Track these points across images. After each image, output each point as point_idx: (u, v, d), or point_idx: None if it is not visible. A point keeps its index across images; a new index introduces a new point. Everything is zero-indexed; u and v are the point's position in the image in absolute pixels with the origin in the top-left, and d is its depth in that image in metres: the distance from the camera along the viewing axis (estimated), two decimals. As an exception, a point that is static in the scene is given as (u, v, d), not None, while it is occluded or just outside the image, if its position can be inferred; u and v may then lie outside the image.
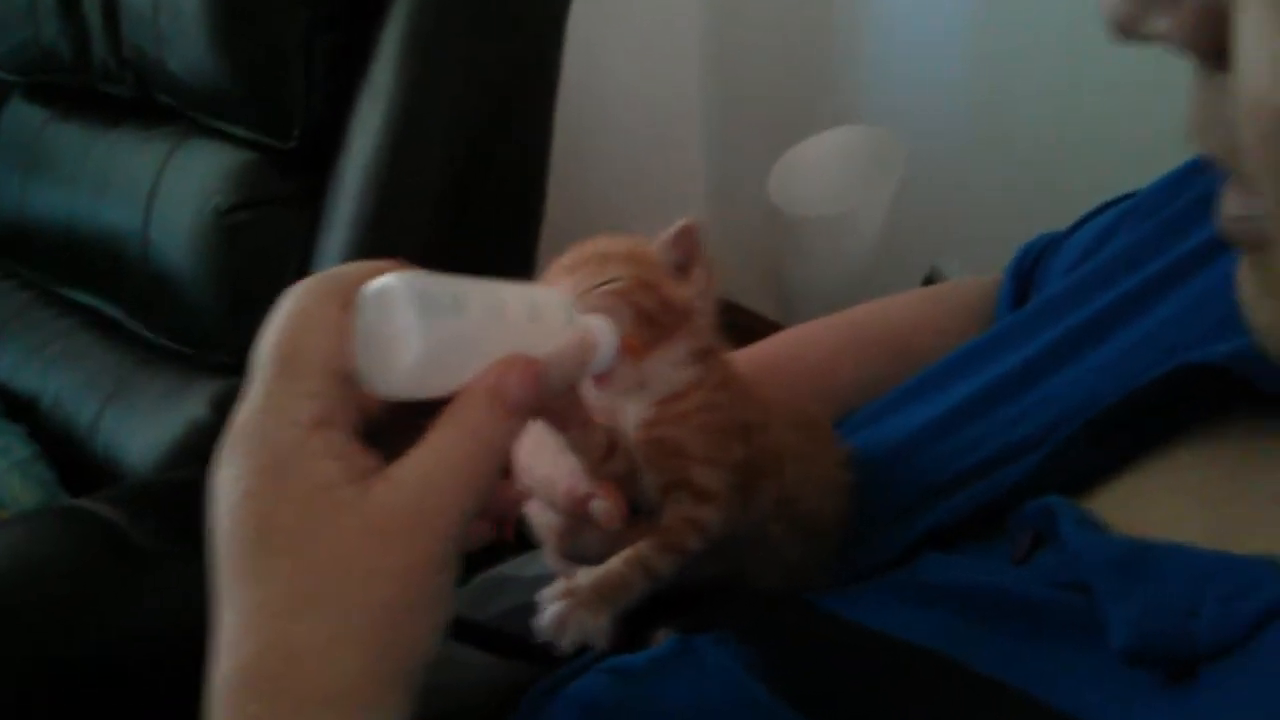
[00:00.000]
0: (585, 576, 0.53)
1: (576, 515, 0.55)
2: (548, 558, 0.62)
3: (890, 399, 0.69)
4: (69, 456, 1.36)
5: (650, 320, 0.53)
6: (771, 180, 1.96)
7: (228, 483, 0.41)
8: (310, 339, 0.43)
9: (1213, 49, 0.35)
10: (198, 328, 1.31)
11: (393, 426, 0.45)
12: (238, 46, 1.20)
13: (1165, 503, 0.51)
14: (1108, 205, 0.76)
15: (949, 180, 2.00)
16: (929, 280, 1.40)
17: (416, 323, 0.41)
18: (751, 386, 0.59)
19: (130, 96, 1.39)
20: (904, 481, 0.61)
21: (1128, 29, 0.36)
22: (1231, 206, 0.39)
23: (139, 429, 1.30)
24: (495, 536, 0.51)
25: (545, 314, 0.47)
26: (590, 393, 0.53)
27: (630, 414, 0.56)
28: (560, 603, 0.51)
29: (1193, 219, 0.61)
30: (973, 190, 1.97)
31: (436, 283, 0.43)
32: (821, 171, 1.97)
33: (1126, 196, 0.74)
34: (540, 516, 0.59)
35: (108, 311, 1.45)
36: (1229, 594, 0.41)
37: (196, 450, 1.24)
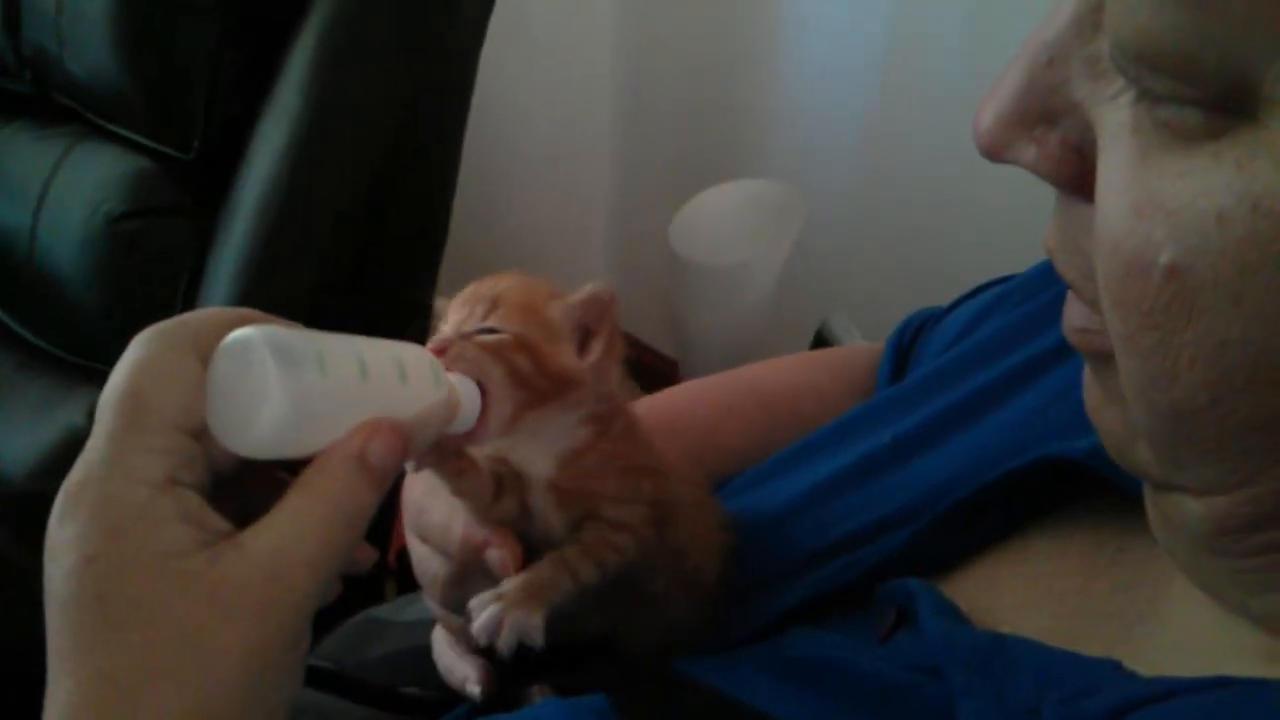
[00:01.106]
0: (510, 582, 0.52)
1: (468, 563, 0.54)
2: (430, 604, 0.61)
3: (767, 466, 0.70)
4: (-63, 457, 1.31)
5: (523, 382, 0.52)
6: (674, 226, 1.99)
7: (67, 543, 0.39)
8: (160, 391, 0.41)
9: (1074, 182, 0.36)
10: (82, 334, 1.28)
11: (247, 480, 0.44)
12: (141, 54, 1.19)
13: (1018, 590, 0.52)
14: (985, 287, 0.78)
15: (843, 239, 2.05)
16: (819, 334, 1.44)
17: (277, 380, 0.39)
18: (651, 436, 0.59)
19: (27, 93, 1.36)
20: (776, 551, 0.61)
21: (995, 156, 0.38)
22: (1074, 318, 0.41)
23: (14, 435, 1.26)
24: (374, 561, 0.49)
25: (413, 374, 0.46)
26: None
27: (534, 466, 0.55)
28: (493, 606, 0.50)
29: (1056, 314, 0.64)
30: (865, 250, 2.02)
31: (300, 338, 0.42)
32: (722, 221, 2.00)
33: (1002, 280, 0.76)
34: (426, 562, 0.58)
35: (-12, 310, 1.40)
36: (1072, 694, 0.42)
37: (74, 459, 1.20)
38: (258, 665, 0.39)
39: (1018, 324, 0.66)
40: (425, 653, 0.65)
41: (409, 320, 1.32)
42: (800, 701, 0.50)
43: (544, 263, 2.57)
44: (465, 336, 0.52)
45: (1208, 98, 0.30)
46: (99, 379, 1.22)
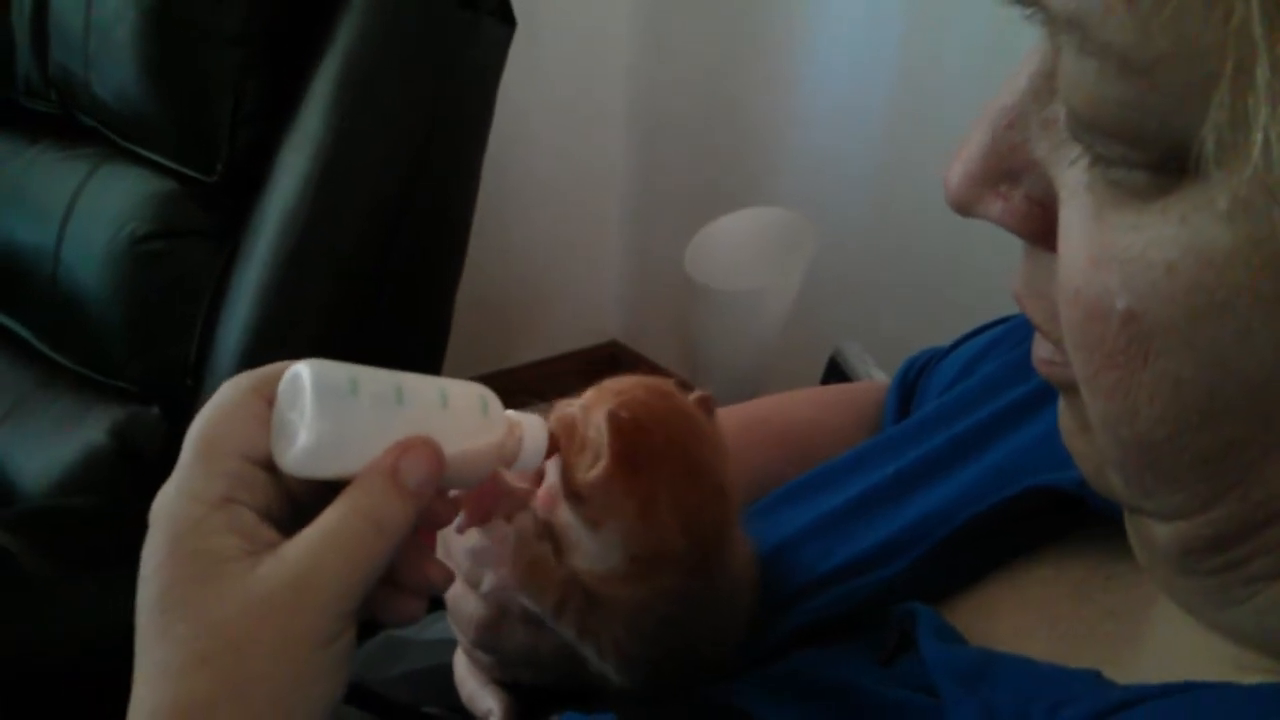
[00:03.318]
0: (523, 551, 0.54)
1: (502, 605, 0.57)
2: (460, 639, 0.63)
3: (778, 495, 0.72)
4: (-40, 473, 1.33)
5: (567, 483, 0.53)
6: (689, 252, 2.00)
7: (146, 553, 0.45)
8: (227, 426, 0.46)
9: (1038, 234, 0.39)
10: (103, 353, 1.29)
11: (321, 504, 0.47)
12: (167, 78, 1.21)
13: (1013, 616, 0.55)
14: (985, 328, 0.81)
15: (856, 266, 2.06)
16: (833, 360, 1.44)
17: (310, 402, 0.44)
18: (736, 582, 0.58)
19: (53, 114, 1.39)
20: (781, 577, 0.63)
21: (964, 211, 0.40)
22: (1041, 350, 0.43)
23: (35, 451, 1.28)
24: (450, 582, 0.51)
25: (456, 403, 0.49)
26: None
27: (578, 553, 0.55)
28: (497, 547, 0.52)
29: None
30: (877, 277, 2.03)
31: (339, 367, 0.46)
32: (736, 247, 2.02)
33: (1001, 321, 0.79)
34: (461, 601, 0.60)
35: (12, 328, 1.42)
36: (1055, 702, 0.44)
37: (93, 477, 1.22)
38: (287, 660, 0.43)
39: (1014, 363, 0.68)
40: (446, 671, 0.67)
41: (427, 343, 1.34)
42: (801, 717, 0.52)
43: (559, 287, 2.59)
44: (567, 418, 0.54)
45: (1153, 160, 0.33)
46: (120, 397, 1.25)
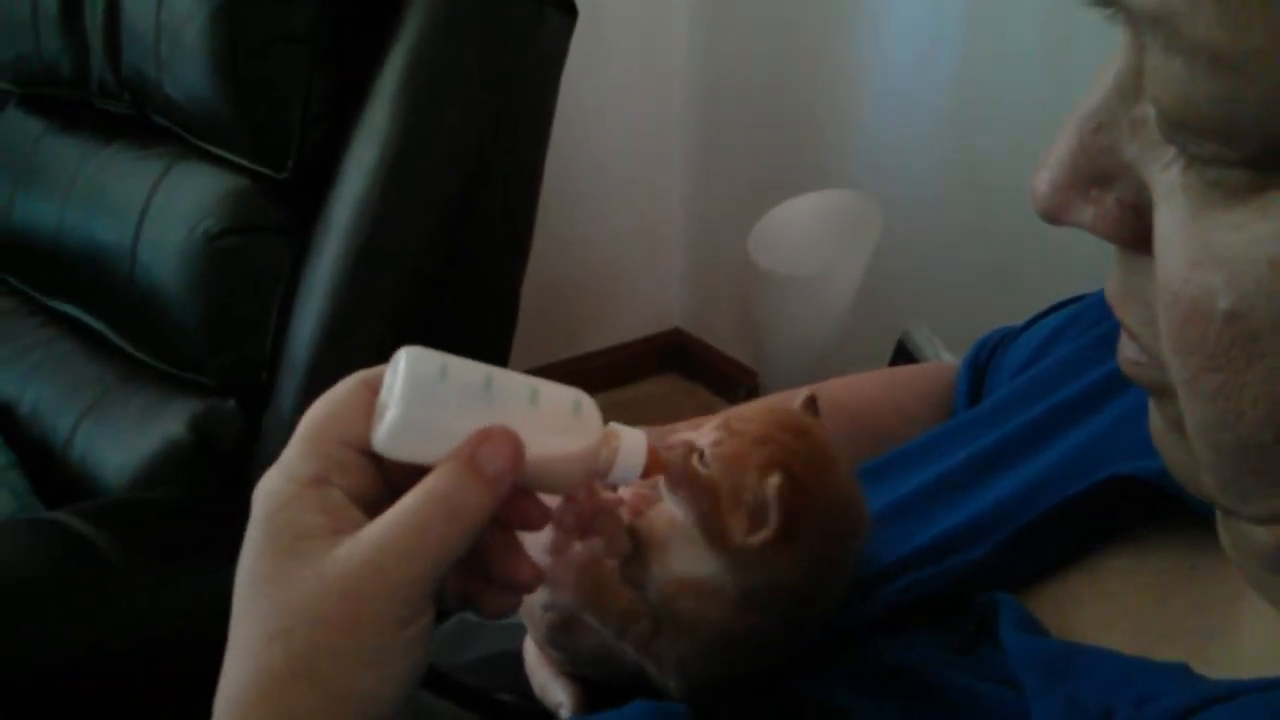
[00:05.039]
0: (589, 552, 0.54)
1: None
2: (531, 632, 0.63)
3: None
4: (44, 467, 1.37)
5: (693, 514, 0.53)
6: (752, 237, 2.00)
7: (247, 531, 0.46)
8: (332, 413, 0.48)
9: (1133, 238, 0.38)
10: (180, 348, 1.32)
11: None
12: (237, 78, 1.23)
13: (1094, 607, 0.54)
14: (1058, 306, 0.79)
15: (922, 248, 2.03)
16: (900, 344, 1.43)
17: (400, 387, 0.46)
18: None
19: (126, 115, 1.41)
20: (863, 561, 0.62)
21: (1054, 220, 0.39)
22: (1127, 350, 0.42)
23: (116, 444, 1.30)
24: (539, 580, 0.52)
25: (546, 402, 0.49)
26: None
27: (664, 556, 0.55)
28: (569, 570, 0.53)
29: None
30: (945, 259, 2.01)
31: (433, 356, 0.47)
32: (800, 232, 2.00)
33: (1074, 300, 0.78)
34: (538, 597, 0.60)
35: (92, 324, 1.45)
36: (1141, 698, 0.44)
37: (172, 469, 1.25)
38: (358, 640, 0.44)
39: (1089, 346, 0.67)
40: (517, 657, 0.67)
41: (494, 334, 1.35)
42: (881, 706, 0.52)
43: (622, 275, 2.59)
44: (690, 451, 0.53)
45: (1249, 157, 0.32)
46: (198, 391, 1.27)
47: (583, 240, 2.41)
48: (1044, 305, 0.83)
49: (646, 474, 0.51)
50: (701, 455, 0.53)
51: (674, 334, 2.76)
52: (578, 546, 0.53)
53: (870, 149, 2.15)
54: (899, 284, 2.02)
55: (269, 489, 0.47)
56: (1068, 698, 0.45)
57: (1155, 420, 0.43)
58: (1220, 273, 0.33)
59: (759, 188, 2.25)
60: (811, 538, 0.53)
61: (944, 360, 1.30)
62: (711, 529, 0.52)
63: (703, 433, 0.54)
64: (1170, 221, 0.35)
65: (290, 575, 0.44)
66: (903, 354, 1.44)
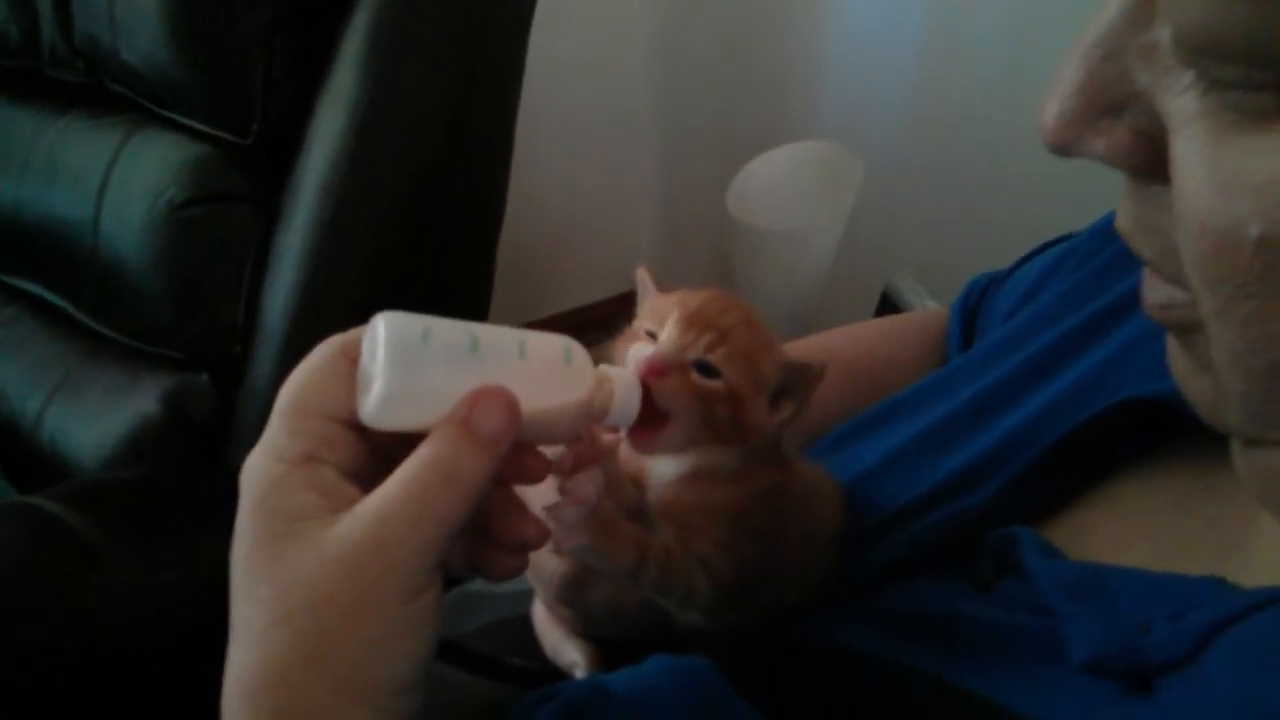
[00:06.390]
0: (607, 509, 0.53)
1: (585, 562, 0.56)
2: (540, 594, 0.62)
3: (849, 428, 0.71)
4: (13, 447, 1.34)
5: (713, 428, 0.53)
6: (730, 192, 1.97)
7: (237, 517, 0.45)
8: (312, 386, 0.46)
9: (1147, 167, 0.37)
10: (148, 322, 1.28)
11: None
12: (196, 41, 1.19)
13: (1110, 532, 0.54)
14: (1045, 247, 0.80)
15: (903, 197, 2.02)
16: (885, 295, 1.42)
17: (383, 354, 0.44)
18: (808, 505, 0.59)
19: (81, 83, 1.37)
20: (865, 511, 0.62)
21: (1063, 152, 0.39)
22: (1154, 295, 0.41)
23: (87, 423, 1.27)
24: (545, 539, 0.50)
25: (535, 353, 0.48)
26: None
27: (656, 473, 0.55)
28: (576, 508, 0.51)
29: (1123, 266, 0.64)
30: (926, 207, 2.00)
31: (413, 319, 0.45)
32: (779, 185, 1.98)
33: (1061, 239, 0.78)
34: (541, 559, 0.59)
35: (54, 301, 1.41)
36: (1177, 611, 0.44)
37: (145, 446, 1.22)
38: (366, 618, 0.42)
39: (1084, 281, 0.67)
40: (523, 623, 0.67)
41: (471, 298, 1.33)
42: (904, 646, 0.52)
43: (590, 232, 2.57)
44: (683, 365, 0.52)
45: (1277, 80, 0.31)
46: (168, 365, 1.24)
47: (548, 199, 2.38)
48: (1027, 245, 0.84)
49: (642, 410, 0.51)
50: (702, 368, 0.53)
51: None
52: (585, 487, 0.51)
53: (842, 99, 2.13)
54: (881, 234, 2.01)
55: (257, 471, 0.45)
56: (1102, 616, 0.45)
57: (1180, 362, 0.43)
58: (1248, 200, 0.32)
59: (729, 141, 2.23)
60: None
61: (930, 308, 1.31)
62: (731, 428, 0.53)
63: (674, 341, 0.53)
64: (1189, 150, 0.34)
65: (289, 558, 0.43)
66: (888, 304, 1.44)
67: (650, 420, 0.52)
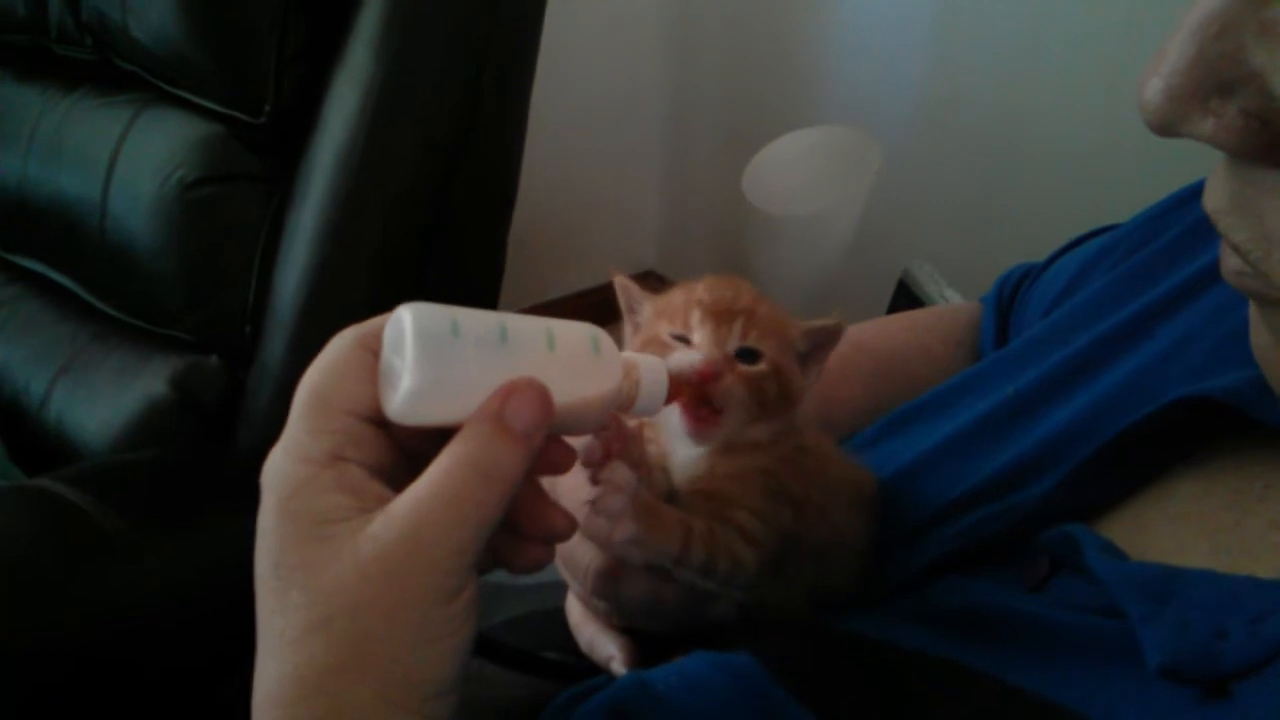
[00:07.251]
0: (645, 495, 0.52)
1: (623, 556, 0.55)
2: (573, 587, 0.61)
3: (885, 424, 0.71)
4: (19, 428, 1.32)
5: (763, 406, 0.54)
6: (745, 177, 1.95)
7: (260, 520, 0.43)
8: (332, 382, 0.45)
9: (1258, 150, 0.36)
10: (157, 303, 1.26)
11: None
12: (208, 18, 1.17)
13: (1167, 532, 0.52)
14: (1084, 238, 0.79)
15: (921, 183, 2.00)
16: (902, 282, 1.40)
17: (411, 348, 0.42)
18: (827, 464, 0.60)
19: (89, 60, 1.34)
20: (908, 507, 0.62)
21: (1167, 132, 0.37)
22: (1233, 263, 0.40)
23: (95, 405, 1.25)
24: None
25: (563, 343, 0.46)
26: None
27: (681, 454, 0.55)
28: (619, 496, 0.50)
29: (1174, 258, 0.64)
30: (944, 193, 1.98)
31: (440, 311, 0.44)
32: (796, 170, 1.96)
33: (1102, 230, 0.76)
34: (576, 550, 0.58)
35: (61, 281, 1.39)
36: (1255, 616, 0.42)
37: (155, 428, 1.20)
38: (406, 620, 0.41)
39: (1130, 274, 0.66)
40: (549, 616, 0.66)
41: (483, 280, 1.31)
42: (953, 643, 0.51)
43: (606, 215, 2.56)
44: (729, 359, 0.54)
45: None
46: (177, 347, 1.23)
47: (560, 181, 2.36)
48: (1042, 230, 0.83)
49: (669, 400, 0.51)
50: (743, 354, 0.54)
51: (648, 276, 2.72)
52: (622, 474, 0.50)
53: (857, 84, 2.11)
54: (899, 220, 1.99)
55: (281, 473, 0.43)
56: (1177, 619, 0.44)
57: (1260, 334, 0.42)
58: None
59: (741, 126, 2.21)
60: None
61: (947, 297, 1.30)
62: (779, 400, 0.55)
63: (712, 338, 0.55)
64: None
65: (322, 562, 0.41)
66: (904, 292, 1.42)
67: (704, 412, 0.53)
